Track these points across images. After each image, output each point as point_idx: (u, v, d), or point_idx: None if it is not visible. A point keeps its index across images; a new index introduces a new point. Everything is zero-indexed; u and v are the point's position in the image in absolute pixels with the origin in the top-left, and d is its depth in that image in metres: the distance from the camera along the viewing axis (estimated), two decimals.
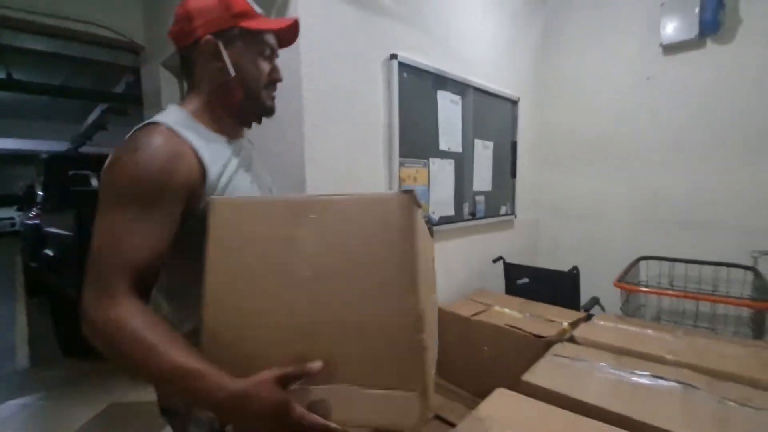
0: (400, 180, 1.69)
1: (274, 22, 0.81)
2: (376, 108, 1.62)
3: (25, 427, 2.31)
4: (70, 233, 2.91)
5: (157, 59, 2.60)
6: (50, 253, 3.31)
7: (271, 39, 0.81)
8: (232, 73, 0.75)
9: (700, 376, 1.10)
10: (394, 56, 1.63)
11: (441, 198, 1.94)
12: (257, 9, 0.79)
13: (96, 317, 0.56)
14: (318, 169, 1.41)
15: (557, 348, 1.35)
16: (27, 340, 3.65)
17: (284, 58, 1.37)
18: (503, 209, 2.44)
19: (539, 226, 2.82)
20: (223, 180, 0.72)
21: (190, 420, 0.79)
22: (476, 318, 1.71)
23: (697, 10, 2.07)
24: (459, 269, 2.11)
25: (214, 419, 0.78)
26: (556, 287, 2.05)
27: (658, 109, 2.27)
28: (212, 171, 0.70)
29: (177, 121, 0.70)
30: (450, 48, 1.95)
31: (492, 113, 2.26)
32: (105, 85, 4.44)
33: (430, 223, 1.87)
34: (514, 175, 2.50)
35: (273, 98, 0.84)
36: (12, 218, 11.62)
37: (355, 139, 1.54)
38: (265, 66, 0.80)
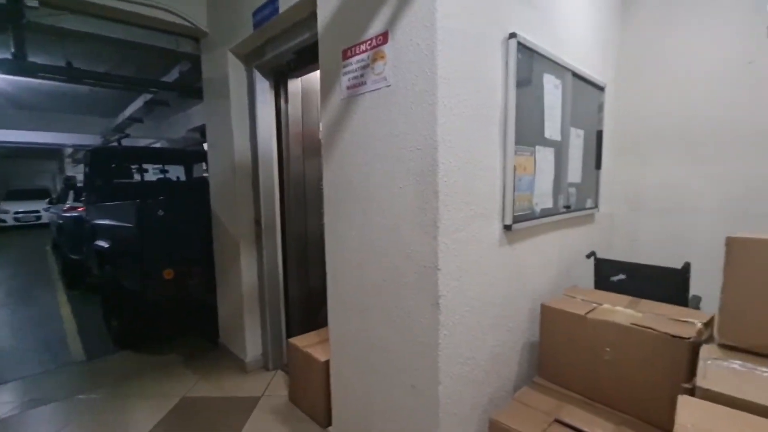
0: (515, 169, 1.58)
1: None
2: (495, 90, 1.51)
3: (98, 421, 2.23)
4: (129, 225, 2.85)
5: (224, 45, 2.51)
6: (104, 245, 3.27)
7: None
8: None
9: None
10: (513, 35, 1.51)
11: (543, 189, 1.83)
12: None
13: None
14: (449, 153, 1.30)
15: (707, 351, 1.24)
16: (77, 333, 3.62)
17: (416, 30, 1.27)
18: (588, 202, 2.31)
19: (614, 220, 2.69)
20: None
21: None
22: (592, 316, 1.60)
23: None
24: (554, 265, 2.00)
25: None
26: (658, 285, 1.93)
27: (760, 97, 2.11)
28: None
29: None
30: (557, 27, 1.83)
31: (582, 100, 2.13)
32: (150, 74, 4.30)
33: (533, 217, 1.77)
34: (598, 166, 2.37)
35: None
36: (37, 211, 11.72)
37: (478, 123, 1.43)
38: None
